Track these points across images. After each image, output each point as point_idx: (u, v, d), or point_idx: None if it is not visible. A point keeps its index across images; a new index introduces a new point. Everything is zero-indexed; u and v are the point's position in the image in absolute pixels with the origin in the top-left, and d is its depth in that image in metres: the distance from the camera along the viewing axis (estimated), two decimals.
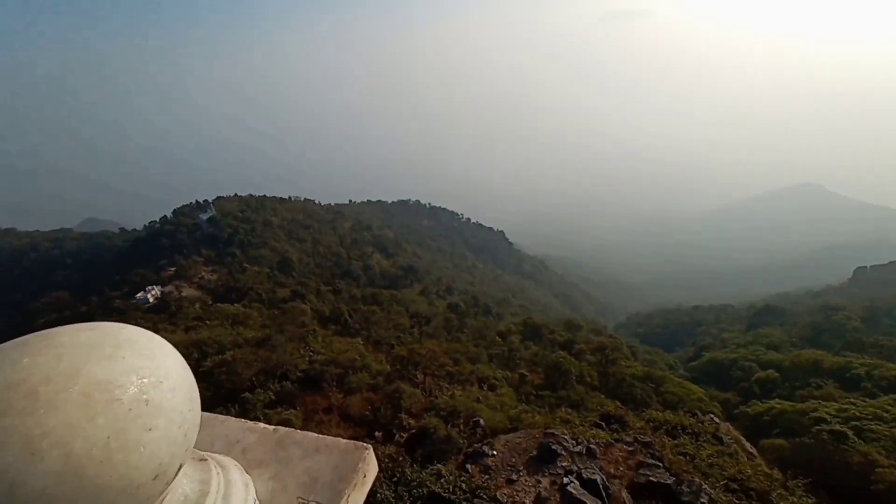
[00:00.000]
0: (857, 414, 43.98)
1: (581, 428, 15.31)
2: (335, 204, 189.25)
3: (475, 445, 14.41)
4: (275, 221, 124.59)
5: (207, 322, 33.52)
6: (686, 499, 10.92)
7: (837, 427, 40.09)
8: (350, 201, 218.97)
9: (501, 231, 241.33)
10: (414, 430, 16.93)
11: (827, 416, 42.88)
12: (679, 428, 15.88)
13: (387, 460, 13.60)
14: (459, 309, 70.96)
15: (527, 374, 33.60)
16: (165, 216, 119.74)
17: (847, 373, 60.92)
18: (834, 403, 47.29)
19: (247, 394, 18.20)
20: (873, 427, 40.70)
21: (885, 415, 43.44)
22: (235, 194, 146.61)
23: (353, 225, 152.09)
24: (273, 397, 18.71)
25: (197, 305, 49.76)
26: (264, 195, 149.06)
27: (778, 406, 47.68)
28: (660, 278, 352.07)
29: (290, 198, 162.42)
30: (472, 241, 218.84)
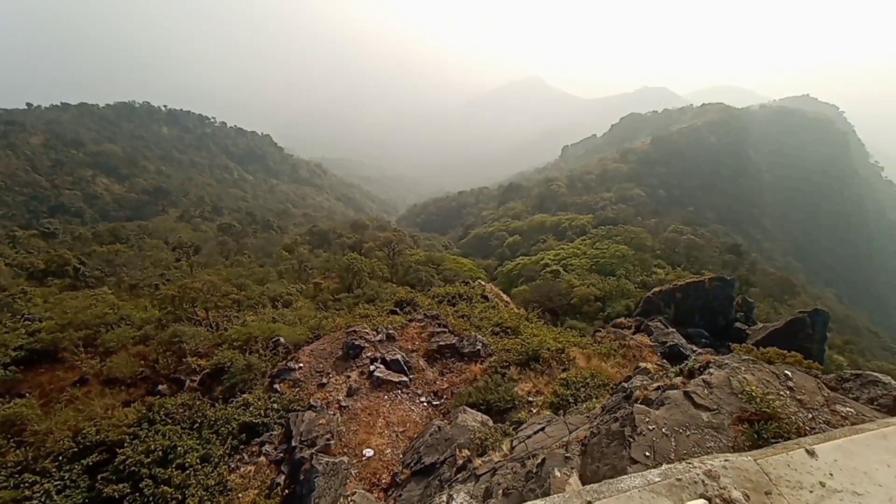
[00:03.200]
0: (564, 255, 62.08)
1: (379, 318, 16.69)
2: (3, 110, 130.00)
3: (279, 365, 14.14)
4: None
5: None
6: (467, 350, 13.55)
7: (555, 267, 56.01)
8: (29, 105, 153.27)
9: (268, 135, 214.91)
10: (207, 371, 15.37)
11: (549, 262, 59.13)
12: (457, 296, 19.03)
13: (181, 410, 12.09)
14: (234, 229, 63.61)
15: (321, 281, 33.76)
16: None
17: (559, 227, 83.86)
18: (553, 251, 65.37)
19: None
20: (573, 262, 58.46)
21: (578, 252, 62.54)
22: None
23: (48, 140, 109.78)
24: None
25: None
26: None
27: (521, 261, 62.94)
28: (429, 168, 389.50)
29: None
30: (233, 151, 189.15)
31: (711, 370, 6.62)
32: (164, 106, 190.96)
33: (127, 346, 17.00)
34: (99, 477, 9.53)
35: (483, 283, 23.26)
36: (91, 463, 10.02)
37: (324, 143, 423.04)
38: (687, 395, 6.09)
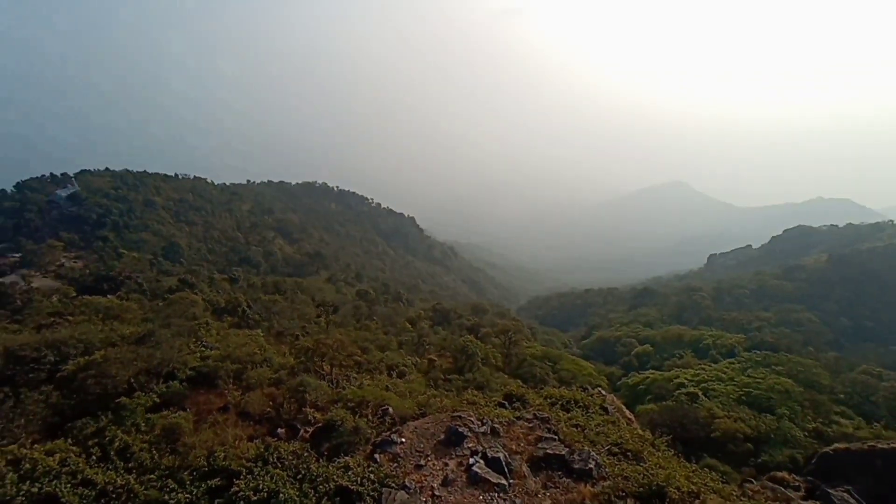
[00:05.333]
0: (706, 377, 52.99)
1: (486, 408, 16.05)
2: (231, 184, 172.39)
3: (384, 434, 14.34)
4: (158, 202, 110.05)
5: (69, 318, 28.48)
6: (577, 466, 12.05)
7: (692, 389, 47.95)
8: (249, 181, 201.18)
9: (412, 217, 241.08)
10: (320, 424, 16.34)
11: (685, 381, 51.00)
12: (572, 402, 17.44)
13: (290, 457, 12.92)
14: (369, 296, 69.95)
15: (435, 359, 34.36)
16: (4, 190, 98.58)
17: (700, 343, 72.89)
18: (690, 370, 56.46)
19: (123, 398, 15.92)
20: (715, 387, 49.38)
21: (723, 376, 52.93)
22: (107, 168, 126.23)
23: (253, 208, 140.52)
24: (157, 400, 16.62)
25: (54, 298, 42.03)
26: (144, 171, 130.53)
27: (651, 376, 55.50)
28: (556, 264, 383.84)
29: (176, 175, 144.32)
30: (382, 227, 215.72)
31: None
32: (336, 186, 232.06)
33: (263, 386, 19.26)
34: (216, 501, 10.53)
35: (603, 392, 21.02)
36: (214, 486, 11.16)
37: (461, 227, 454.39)
38: None
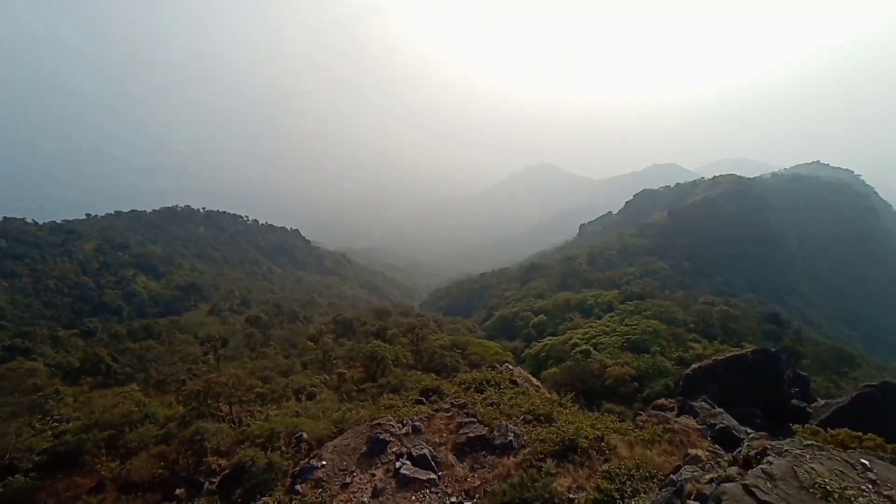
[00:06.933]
0: (594, 333, 59.80)
1: (404, 409, 15.96)
2: (64, 221, 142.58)
3: (302, 463, 13.43)
4: None
5: None
6: (498, 441, 12.67)
7: (584, 347, 53.73)
8: (89, 216, 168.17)
9: (296, 230, 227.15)
10: (227, 471, 14.68)
11: (578, 341, 56.89)
12: (485, 382, 18.22)
13: None
14: (261, 321, 64.55)
15: (345, 371, 33.16)
16: None
17: (585, 304, 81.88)
18: (581, 330, 63.15)
19: None
20: (603, 340, 56.09)
21: (607, 329, 60.29)
22: None
23: (99, 245, 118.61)
24: None
25: None
26: None
27: (549, 342, 60.72)
28: (450, 255, 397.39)
29: None
30: (263, 245, 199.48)
31: (770, 458, 5.93)
32: (203, 208, 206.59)
33: (149, 446, 16.65)
34: None
35: (511, 366, 22.38)
36: None
37: (351, 234, 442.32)
38: (747, 489, 5.34)
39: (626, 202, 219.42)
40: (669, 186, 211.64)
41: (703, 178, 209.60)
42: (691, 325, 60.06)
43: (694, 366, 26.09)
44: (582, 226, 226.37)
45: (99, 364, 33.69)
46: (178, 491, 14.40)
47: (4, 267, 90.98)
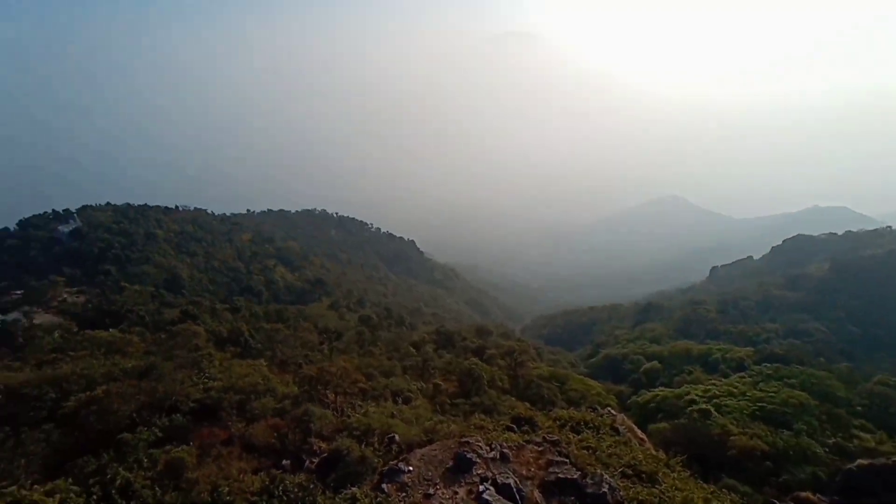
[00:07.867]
0: (717, 392, 51.92)
1: (494, 433, 15.72)
2: (231, 214, 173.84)
3: (391, 463, 14.01)
4: (159, 234, 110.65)
5: (71, 353, 28.24)
6: (590, 490, 11.72)
7: (704, 406, 46.92)
8: (248, 211, 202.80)
9: (412, 241, 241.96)
10: (326, 455, 15.97)
11: (696, 398, 49.94)
12: (582, 423, 17.09)
13: (296, 490, 12.60)
14: (372, 322, 69.48)
15: (441, 383, 33.84)
16: (7, 228, 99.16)
17: (709, 358, 71.76)
18: (701, 385, 55.37)
19: (125, 434, 15.64)
20: (728, 402, 48.31)
21: (734, 391, 51.85)
22: (108, 203, 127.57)
23: (253, 237, 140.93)
24: (160, 434, 16.31)
25: (56, 334, 41.78)
26: (145, 204, 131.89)
27: (661, 393, 54.38)
28: (558, 282, 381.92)
29: (176, 207, 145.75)
30: (383, 252, 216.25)
31: None
32: (336, 213, 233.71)
33: (267, 417, 18.93)
34: None
35: (613, 412, 20.63)
36: None
37: (460, 250, 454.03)
38: None
39: (773, 247, 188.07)
40: (836, 234, 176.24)
41: (889, 227, 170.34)
42: (859, 409, 48.47)
43: (861, 461, 20.91)
44: (714, 268, 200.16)
45: (240, 337, 39.52)
46: (284, 462, 16.06)
47: (190, 246, 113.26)
